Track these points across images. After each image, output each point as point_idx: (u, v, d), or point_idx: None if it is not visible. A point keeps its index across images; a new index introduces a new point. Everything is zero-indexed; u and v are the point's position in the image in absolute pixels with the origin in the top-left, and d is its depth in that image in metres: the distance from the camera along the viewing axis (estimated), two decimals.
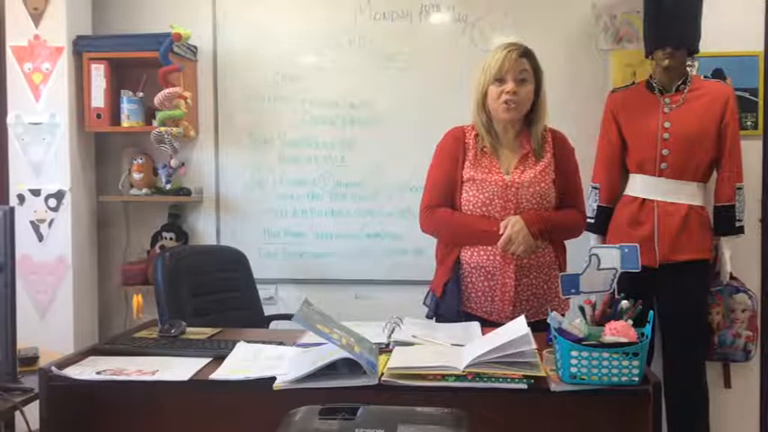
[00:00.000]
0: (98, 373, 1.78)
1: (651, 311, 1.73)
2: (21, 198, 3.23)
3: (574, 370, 1.64)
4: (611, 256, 1.82)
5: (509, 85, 2.25)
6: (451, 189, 2.34)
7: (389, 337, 2.04)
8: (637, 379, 1.64)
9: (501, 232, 2.23)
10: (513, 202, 2.27)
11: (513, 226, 2.22)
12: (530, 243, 2.22)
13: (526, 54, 2.30)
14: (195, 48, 3.41)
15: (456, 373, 1.69)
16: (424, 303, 2.47)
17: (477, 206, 2.29)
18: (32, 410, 1.80)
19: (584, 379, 1.64)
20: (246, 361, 1.86)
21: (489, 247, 2.28)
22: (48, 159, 3.23)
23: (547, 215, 2.29)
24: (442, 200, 2.36)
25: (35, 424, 1.78)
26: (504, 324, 1.95)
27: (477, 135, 2.36)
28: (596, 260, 1.82)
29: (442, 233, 2.40)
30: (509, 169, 2.31)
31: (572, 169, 2.40)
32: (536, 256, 2.28)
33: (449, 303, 2.34)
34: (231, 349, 1.94)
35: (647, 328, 1.69)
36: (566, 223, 2.35)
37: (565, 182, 2.36)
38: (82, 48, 3.25)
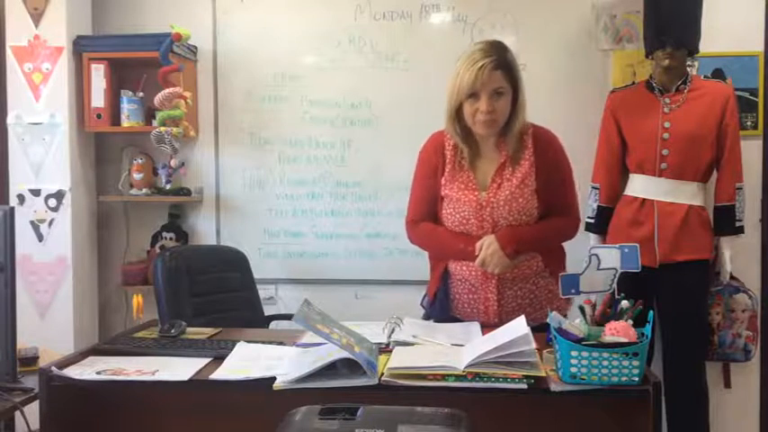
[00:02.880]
0: (98, 373, 1.78)
1: (651, 311, 1.73)
2: (21, 198, 3.23)
3: (574, 370, 1.64)
4: (611, 256, 1.82)
5: (483, 104, 2.11)
6: (434, 203, 2.29)
7: (389, 337, 2.04)
8: (637, 379, 1.64)
9: (476, 253, 2.16)
10: (489, 222, 2.19)
11: (487, 248, 2.14)
12: (504, 263, 2.14)
13: (501, 65, 2.11)
14: (195, 48, 3.41)
15: (456, 373, 1.68)
16: (421, 304, 2.47)
17: (455, 224, 2.23)
18: (32, 410, 1.80)
19: (584, 379, 1.64)
20: (246, 361, 1.86)
21: (471, 262, 2.22)
22: (48, 159, 3.23)
23: (523, 232, 2.18)
24: (424, 215, 2.33)
25: (35, 424, 1.78)
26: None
27: (455, 145, 2.25)
28: (596, 260, 1.82)
29: (425, 247, 2.40)
30: (486, 183, 2.21)
31: (557, 171, 2.24)
32: (519, 268, 2.21)
33: (439, 312, 2.33)
34: (231, 349, 1.94)
35: (647, 328, 1.69)
36: (547, 234, 2.24)
37: (548, 186, 2.22)
38: (82, 48, 3.25)
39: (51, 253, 3.23)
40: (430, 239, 2.33)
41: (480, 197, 2.20)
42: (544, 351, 1.81)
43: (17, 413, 1.82)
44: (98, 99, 3.26)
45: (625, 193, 3.01)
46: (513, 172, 2.20)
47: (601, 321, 1.74)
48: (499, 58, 2.12)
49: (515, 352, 1.69)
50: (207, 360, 1.88)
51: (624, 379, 1.63)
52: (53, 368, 1.77)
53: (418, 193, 2.36)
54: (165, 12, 3.41)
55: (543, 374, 1.69)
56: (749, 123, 3.23)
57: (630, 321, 1.71)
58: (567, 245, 2.40)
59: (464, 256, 2.22)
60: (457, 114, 2.20)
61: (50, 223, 3.23)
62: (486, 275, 2.22)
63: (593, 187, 3.06)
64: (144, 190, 3.39)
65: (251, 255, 3.17)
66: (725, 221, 2.95)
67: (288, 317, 2.15)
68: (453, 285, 2.31)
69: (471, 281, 2.26)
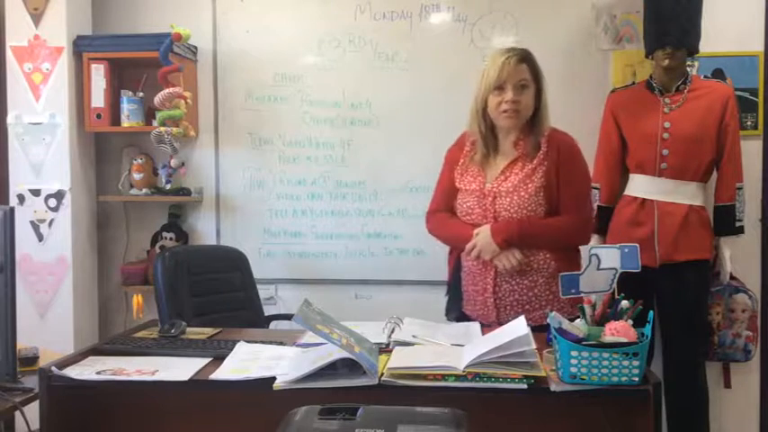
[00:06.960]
0: (98, 373, 1.78)
1: (651, 311, 1.73)
2: (21, 198, 3.23)
3: (574, 370, 1.64)
4: (611, 256, 1.82)
5: (508, 94, 2.20)
6: (452, 195, 2.38)
7: (389, 337, 2.04)
8: (637, 379, 1.64)
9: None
10: (490, 211, 2.25)
11: (478, 234, 2.23)
12: (493, 250, 2.20)
13: (525, 59, 2.24)
14: (195, 48, 3.41)
15: (456, 373, 1.69)
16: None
17: (463, 214, 2.33)
18: (32, 410, 1.80)
19: (584, 379, 1.64)
20: (246, 361, 1.86)
21: None
22: (48, 159, 3.23)
23: (518, 224, 2.21)
24: (442, 205, 2.42)
25: (35, 424, 1.78)
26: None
27: (474, 142, 2.34)
28: (596, 260, 1.82)
29: (439, 236, 2.46)
30: (495, 176, 2.28)
31: (565, 171, 2.26)
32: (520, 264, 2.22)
33: (452, 305, 2.44)
34: (231, 349, 1.94)
35: (647, 328, 1.69)
36: (546, 231, 2.23)
37: (556, 185, 2.25)
38: (82, 48, 3.25)
39: (51, 253, 3.22)
40: (443, 228, 2.41)
41: (485, 187, 2.28)
42: (544, 351, 1.81)
43: (17, 413, 1.82)
44: (98, 99, 3.26)
45: (625, 193, 3.01)
46: (523, 168, 2.27)
47: (601, 321, 1.74)
48: (524, 54, 2.26)
49: (515, 352, 1.69)
50: (207, 360, 1.88)
51: (624, 379, 1.64)
52: (53, 368, 1.77)
53: (439, 185, 2.47)
54: (165, 12, 3.41)
55: (543, 374, 1.69)
56: (749, 123, 3.23)
57: (630, 321, 1.71)
58: None
59: (463, 242, 2.29)
60: (483, 111, 2.29)
61: (50, 223, 3.23)
62: (485, 266, 2.27)
63: (592, 187, 3.05)
64: (144, 190, 3.39)
65: (251, 255, 3.17)
66: (725, 221, 2.95)
67: (288, 317, 2.15)
68: (463, 277, 2.37)
69: (474, 271, 2.31)
